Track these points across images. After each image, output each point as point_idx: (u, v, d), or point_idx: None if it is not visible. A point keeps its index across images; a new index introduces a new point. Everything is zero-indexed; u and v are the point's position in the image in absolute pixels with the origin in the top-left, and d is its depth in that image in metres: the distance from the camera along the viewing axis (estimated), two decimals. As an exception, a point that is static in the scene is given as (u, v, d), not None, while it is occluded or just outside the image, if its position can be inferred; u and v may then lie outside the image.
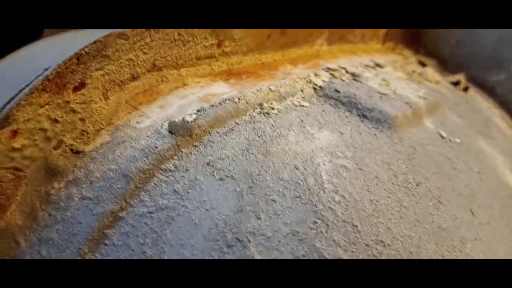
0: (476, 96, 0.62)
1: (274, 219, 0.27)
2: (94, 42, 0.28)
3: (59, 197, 0.28)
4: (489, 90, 0.64)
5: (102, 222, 0.27)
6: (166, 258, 0.26)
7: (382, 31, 0.63)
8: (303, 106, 0.38)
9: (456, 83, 0.61)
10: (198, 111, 0.31)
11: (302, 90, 0.39)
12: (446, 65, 0.66)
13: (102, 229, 0.27)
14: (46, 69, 0.27)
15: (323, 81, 0.42)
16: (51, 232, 0.27)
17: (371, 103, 0.39)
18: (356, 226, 0.28)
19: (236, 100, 0.33)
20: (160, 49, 0.33)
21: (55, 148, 0.28)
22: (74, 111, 0.29)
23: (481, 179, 0.40)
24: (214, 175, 0.28)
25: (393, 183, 0.32)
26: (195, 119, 0.30)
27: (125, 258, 0.26)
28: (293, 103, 0.37)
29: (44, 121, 0.27)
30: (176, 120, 0.29)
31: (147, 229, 0.27)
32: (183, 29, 0.33)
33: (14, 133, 0.26)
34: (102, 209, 0.27)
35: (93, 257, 0.26)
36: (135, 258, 0.26)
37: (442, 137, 0.42)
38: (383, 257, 0.27)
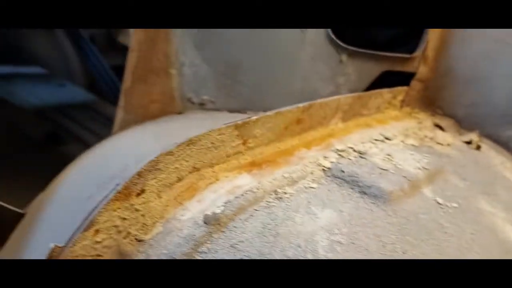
0: (489, 152, 0.67)
1: (279, 289, 0.36)
2: (149, 162, 0.40)
3: (128, 274, 0.39)
4: (503, 145, 0.69)
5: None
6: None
7: (398, 99, 0.71)
8: (312, 187, 0.47)
9: (469, 142, 0.67)
10: (225, 203, 0.41)
11: (312, 173, 0.49)
12: (462, 124, 0.72)
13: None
14: (117, 184, 0.39)
15: (331, 162, 0.51)
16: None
17: (370, 180, 0.48)
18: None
19: (255, 190, 0.44)
20: (198, 155, 0.44)
21: (124, 238, 0.40)
22: (137, 210, 0.40)
23: (473, 240, 0.47)
24: (235, 255, 0.38)
25: (380, 253, 0.40)
26: (222, 211, 0.41)
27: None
28: (303, 186, 0.47)
29: (117, 220, 0.39)
30: (209, 213, 0.40)
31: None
32: (215, 138, 0.45)
33: (97, 231, 0.38)
34: (157, 283, 0.38)
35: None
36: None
37: (438, 203, 0.49)
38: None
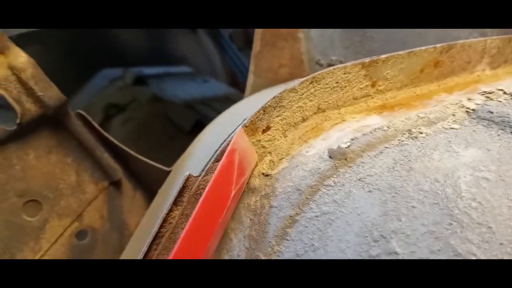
0: None
1: (413, 221, 0.33)
2: (274, 98, 0.40)
3: (256, 206, 0.40)
4: None
5: (284, 223, 0.37)
6: (328, 249, 0.35)
7: None
8: (453, 128, 0.42)
9: None
10: (351, 139, 0.39)
11: (453, 115, 0.44)
12: None
13: (284, 228, 0.37)
14: (244, 119, 0.40)
15: (477, 104, 0.45)
16: (252, 231, 0.39)
17: (526, 120, 0.41)
18: (491, 228, 0.32)
19: (386, 128, 0.41)
20: (323, 96, 0.43)
21: (252, 172, 0.41)
22: (264, 147, 0.41)
23: None
24: (364, 188, 0.36)
25: (540, 192, 0.34)
26: (348, 146, 0.39)
27: (301, 249, 0.36)
28: (443, 127, 0.42)
29: (246, 155, 0.40)
30: (334, 147, 0.39)
31: (315, 228, 0.36)
32: (340, 77, 0.43)
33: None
34: (284, 214, 0.38)
35: (278, 249, 0.37)
36: (307, 249, 0.36)
37: None
38: (518, 255, 0.30)
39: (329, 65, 0.66)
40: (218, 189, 0.37)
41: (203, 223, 0.35)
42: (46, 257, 0.66)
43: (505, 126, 0.42)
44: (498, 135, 0.41)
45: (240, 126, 0.39)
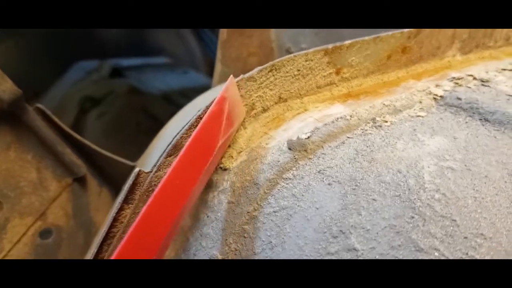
0: None
1: (374, 214, 0.31)
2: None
3: (213, 202, 0.38)
4: None
5: (241, 219, 0.35)
6: (286, 246, 0.33)
7: (537, 27, 0.59)
8: (419, 116, 0.40)
9: None
10: (312, 130, 0.37)
11: (420, 102, 0.42)
12: None
13: (241, 225, 0.35)
14: (199, 111, 0.37)
15: (445, 90, 0.43)
16: (208, 229, 0.37)
17: (494, 106, 0.39)
18: (455, 221, 0.30)
19: (348, 117, 0.39)
20: (284, 85, 0.41)
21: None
22: (221, 139, 0.39)
23: None
24: (323, 181, 0.34)
25: (505, 182, 0.32)
26: (309, 137, 0.37)
27: (258, 247, 0.34)
28: (409, 115, 0.40)
29: (201, 148, 0.38)
30: (294, 139, 0.37)
31: (273, 225, 0.34)
32: (301, 64, 0.41)
33: (181, 157, 0.37)
34: (241, 210, 0.36)
35: (236, 247, 0.35)
36: (264, 246, 0.34)
37: None
38: (483, 249, 0.29)
39: (299, 53, 0.64)
40: (204, 138, 0.35)
41: (183, 178, 0.33)
42: (8, 258, 0.63)
43: (474, 113, 0.40)
44: (466, 122, 0.39)
45: (194, 118, 0.37)
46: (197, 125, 0.37)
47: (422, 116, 0.40)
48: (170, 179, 0.32)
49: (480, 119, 0.39)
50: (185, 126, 0.37)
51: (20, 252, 0.64)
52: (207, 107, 0.36)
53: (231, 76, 0.37)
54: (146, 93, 1.64)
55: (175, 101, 1.61)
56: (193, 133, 0.33)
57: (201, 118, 0.37)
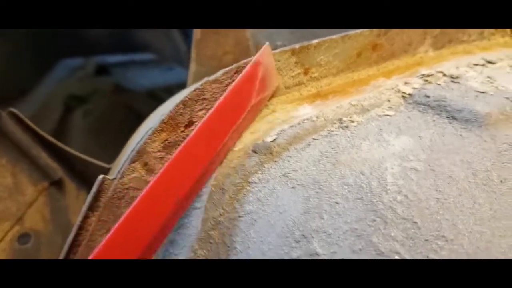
0: None
1: (336, 218, 0.31)
2: (194, 90, 0.37)
3: (180, 208, 0.37)
4: None
5: (207, 225, 0.35)
6: (250, 252, 0.33)
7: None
8: (387, 115, 0.40)
9: None
10: (278, 132, 0.37)
11: (388, 100, 0.42)
12: None
13: (207, 231, 0.35)
14: (162, 115, 0.37)
15: (414, 88, 0.43)
16: (176, 235, 0.37)
17: (462, 104, 0.39)
18: (416, 223, 0.30)
19: (314, 118, 0.38)
20: (251, 85, 0.40)
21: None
22: (188, 143, 0.38)
23: None
24: (287, 184, 0.34)
25: (469, 181, 0.32)
26: (274, 139, 0.36)
27: (223, 253, 0.34)
28: (376, 114, 0.40)
29: (167, 153, 0.37)
30: (259, 142, 0.36)
31: (238, 230, 0.34)
32: (269, 66, 0.40)
33: (146, 164, 0.37)
34: (207, 216, 0.35)
35: (202, 253, 0.35)
36: (229, 252, 0.33)
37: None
38: (444, 252, 0.28)
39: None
40: (236, 98, 0.37)
41: (212, 132, 0.36)
42: (-13, 264, 0.62)
43: (441, 111, 0.40)
44: (434, 120, 0.39)
45: (158, 123, 0.37)
46: (160, 130, 0.37)
47: (390, 115, 0.40)
48: (201, 131, 0.34)
49: (448, 117, 0.39)
50: (148, 131, 0.36)
51: (-1, 257, 0.63)
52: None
53: (267, 43, 0.39)
54: (131, 91, 1.62)
55: (160, 98, 1.60)
56: (225, 93, 0.36)
57: (164, 123, 0.37)
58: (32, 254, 0.66)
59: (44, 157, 0.63)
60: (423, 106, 0.41)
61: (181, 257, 0.36)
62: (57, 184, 0.66)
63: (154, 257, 0.37)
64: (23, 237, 0.65)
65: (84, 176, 0.68)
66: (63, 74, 1.71)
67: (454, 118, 0.39)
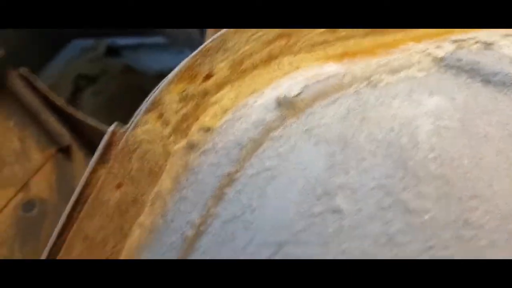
0: None
1: (362, 174, 0.29)
2: (214, 39, 0.35)
3: (194, 164, 0.35)
4: None
5: (222, 182, 0.33)
6: (267, 210, 0.30)
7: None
8: (417, 77, 0.38)
9: None
10: (302, 87, 0.35)
11: (419, 62, 0.39)
12: None
13: (222, 187, 0.33)
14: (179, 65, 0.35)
15: (446, 52, 0.40)
16: (188, 192, 0.35)
17: (497, 68, 0.37)
18: (449, 181, 0.27)
19: (341, 76, 0.36)
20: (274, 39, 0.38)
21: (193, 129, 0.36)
22: (205, 97, 0.36)
23: None
24: (309, 140, 0.32)
25: (505, 142, 0.30)
26: (298, 94, 0.34)
27: (238, 211, 0.32)
28: (406, 75, 0.38)
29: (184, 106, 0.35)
30: (282, 96, 0.34)
31: (255, 187, 0.32)
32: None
33: (160, 115, 0.35)
34: (222, 172, 0.33)
35: (214, 211, 0.33)
36: (245, 210, 0.31)
37: None
38: (478, 212, 0.26)
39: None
40: None
41: None
42: (-11, 230, 0.61)
43: (475, 75, 0.37)
44: (467, 83, 0.37)
45: (175, 73, 0.34)
46: (177, 81, 0.35)
47: (420, 77, 0.37)
48: None
49: (482, 81, 0.36)
50: (164, 81, 0.34)
51: (2, 225, 0.62)
52: None
53: None
54: (141, 72, 1.61)
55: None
56: None
57: (183, 72, 0.35)
58: (36, 222, 0.64)
59: (53, 122, 0.61)
60: (455, 69, 0.38)
61: (193, 215, 0.34)
62: (65, 151, 0.64)
63: (165, 217, 0.35)
64: (27, 205, 0.63)
65: (93, 145, 0.66)
66: (74, 55, 1.69)
67: (488, 81, 0.36)
